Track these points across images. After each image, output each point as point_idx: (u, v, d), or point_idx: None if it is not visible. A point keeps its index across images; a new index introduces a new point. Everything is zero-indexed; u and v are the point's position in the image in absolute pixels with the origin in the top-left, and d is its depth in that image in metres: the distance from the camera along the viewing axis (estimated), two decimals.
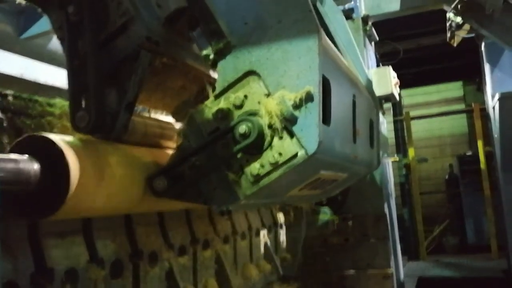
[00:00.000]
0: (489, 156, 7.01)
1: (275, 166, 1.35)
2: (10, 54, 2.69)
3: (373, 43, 4.75)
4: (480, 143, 7.47)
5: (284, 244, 3.17)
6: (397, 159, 7.89)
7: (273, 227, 3.01)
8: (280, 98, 1.33)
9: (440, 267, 7.06)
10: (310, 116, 1.31)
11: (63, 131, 1.56)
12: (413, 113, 8.73)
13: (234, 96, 1.40)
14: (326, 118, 1.42)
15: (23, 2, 1.73)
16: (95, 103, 1.43)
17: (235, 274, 2.44)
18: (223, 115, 1.40)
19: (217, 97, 1.43)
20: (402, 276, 4.50)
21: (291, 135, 1.33)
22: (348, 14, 4.32)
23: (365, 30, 4.39)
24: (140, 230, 1.79)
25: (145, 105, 1.96)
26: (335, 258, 3.75)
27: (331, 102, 1.46)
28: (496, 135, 5.44)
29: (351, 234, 3.76)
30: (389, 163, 4.64)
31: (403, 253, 5.18)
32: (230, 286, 2.30)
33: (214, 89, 1.46)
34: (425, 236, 8.07)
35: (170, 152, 1.65)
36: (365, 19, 4.38)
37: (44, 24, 2.82)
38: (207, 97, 1.55)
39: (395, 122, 8.76)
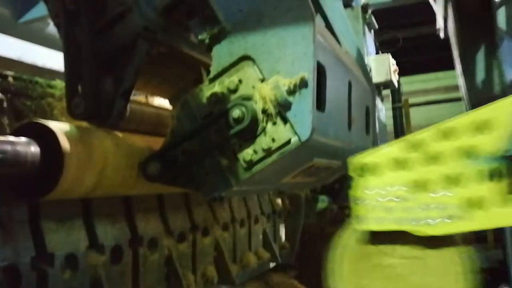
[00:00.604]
0: None
1: (268, 152, 1.34)
2: (7, 37, 2.69)
3: (372, 31, 4.74)
4: None
5: (283, 232, 3.16)
6: None
7: (272, 215, 3.00)
8: (274, 83, 1.33)
9: None
10: (304, 102, 1.30)
11: (63, 113, 1.58)
12: (411, 101, 8.69)
13: (228, 80, 1.40)
14: (320, 104, 1.42)
15: None
16: (91, 90, 1.43)
17: (234, 261, 2.45)
18: (217, 99, 1.40)
19: (211, 81, 1.43)
20: None
21: (285, 121, 1.33)
22: (348, 2, 4.30)
23: (364, 18, 4.38)
24: (140, 215, 1.80)
25: (142, 91, 1.97)
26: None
27: (326, 89, 1.46)
28: None
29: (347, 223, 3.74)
30: None
31: None
32: (228, 273, 2.29)
33: (208, 73, 1.46)
34: None
35: None
36: (364, 8, 4.37)
37: (42, 8, 2.81)
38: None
39: (393, 109, 8.73)
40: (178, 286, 1.94)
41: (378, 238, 1.04)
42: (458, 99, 9.87)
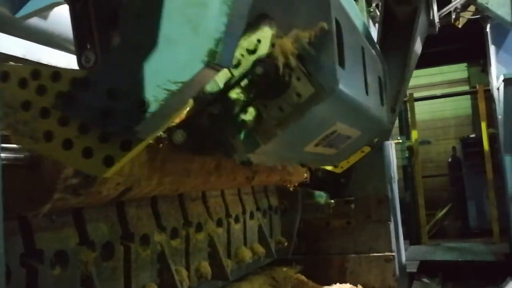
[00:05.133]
0: (493, 138, 6.87)
1: (295, 108, 1.30)
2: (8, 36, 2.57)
3: (376, 24, 4.58)
4: (483, 125, 7.32)
5: (279, 228, 3.08)
6: (400, 141, 7.75)
7: (267, 211, 2.90)
8: (294, 37, 1.28)
9: (441, 251, 6.95)
10: (326, 53, 1.25)
11: None
12: (416, 95, 8.54)
13: (247, 42, 1.34)
14: (341, 60, 1.35)
15: None
16: (100, 43, 1.36)
17: (228, 257, 2.34)
18: (237, 62, 1.35)
19: None
20: (404, 259, 4.41)
21: (309, 74, 1.28)
22: None
23: (369, 12, 4.24)
24: (132, 212, 1.70)
25: None
26: (337, 241, 3.63)
27: (343, 47, 1.38)
28: (500, 116, 5.39)
29: (353, 217, 3.63)
30: (392, 145, 4.50)
31: (405, 238, 5.05)
32: (223, 269, 2.17)
33: None
34: (427, 220, 7.93)
35: None
36: (369, 0, 4.23)
37: (37, 2, 2.73)
38: None
39: None
40: (171, 282, 1.83)
41: None
42: (462, 93, 9.78)
